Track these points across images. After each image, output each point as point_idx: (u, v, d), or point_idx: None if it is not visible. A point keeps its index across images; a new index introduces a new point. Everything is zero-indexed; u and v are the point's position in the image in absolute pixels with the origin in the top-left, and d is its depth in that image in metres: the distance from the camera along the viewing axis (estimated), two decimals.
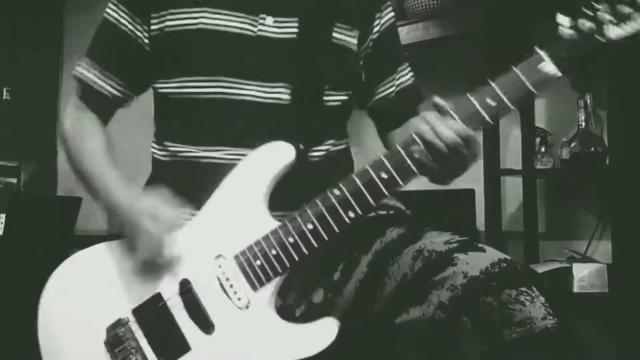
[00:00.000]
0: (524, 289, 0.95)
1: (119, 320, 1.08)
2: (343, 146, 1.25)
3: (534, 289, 0.95)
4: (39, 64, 4.68)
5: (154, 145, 1.26)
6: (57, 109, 4.80)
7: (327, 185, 1.06)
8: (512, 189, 2.58)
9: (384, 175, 1.02)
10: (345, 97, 1.21)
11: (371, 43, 1.23)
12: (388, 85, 1.27)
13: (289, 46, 1.15)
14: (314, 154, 1.16)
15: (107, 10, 1.23)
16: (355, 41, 1.20)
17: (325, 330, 1.02)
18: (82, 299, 1.11)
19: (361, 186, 1.02)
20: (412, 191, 2.35)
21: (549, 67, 0.99)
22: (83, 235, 3.71)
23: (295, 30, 1.15)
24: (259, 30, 1.14)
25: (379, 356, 1.08)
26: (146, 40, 1.19)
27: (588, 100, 2.31)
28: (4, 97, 4.50)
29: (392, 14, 1.27)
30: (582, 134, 2.29)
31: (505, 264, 0.97)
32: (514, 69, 1.00)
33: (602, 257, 2.31)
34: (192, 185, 1.13)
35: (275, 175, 1.08)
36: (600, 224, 2.41)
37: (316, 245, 1.03)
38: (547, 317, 0.94)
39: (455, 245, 1.03)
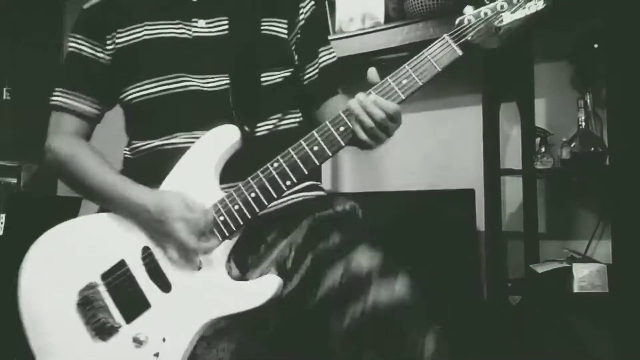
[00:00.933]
0: (422, 329, 1.12)
1: (89, 283, 1.25)
2: (291, 122, 1.40)
3: (431, 329, 1.12)
4: (39, 64, 4.68)
5: (125, 149, 1.42)
6: None
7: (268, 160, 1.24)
8: (512, 189, 2.58)
9: (316, 148, 1.20)
10: (282, 77, 1.38)
11: (299, 30, 1.42)
12: (313, 66, 1.44)
13: (222, 41, 1.34)
14: (259, 130, 1.32)
15: (70, 44, 1.42)
16: (284, 30, 1.39)
17: (268, 284, 1.17)
18: (56, 267, 1.29)
19: (297, 159, 1.20)
20: (413, 191, 2.37)
21: (452, 48, 1.20)
22: None
23: (226, 27, 1.35)
24: (194, 32, 1.34)
25: (307, 347, 1.22)
26: (107, 59, 1.38)
27: (588, 100, 2.31)
28: (4, 97, 4.50)
29: (313, 2, 1.45)
30: (582, 134, 2.29)
31: (409, 302, 1.13)
32: (424, 52, 1.21)
33: (602, 257, 2.31)
34: (156, 170, 1.28)
35: (222, 154, 1.24)
36: (600, 224, 2.41)
37: (257, 211, 1.21)
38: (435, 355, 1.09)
39: (377, 268, 1.16)
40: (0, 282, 3.11)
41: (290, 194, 1.31)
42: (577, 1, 2.27)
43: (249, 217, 1.21)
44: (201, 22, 1.34)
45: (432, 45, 1.21)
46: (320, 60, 1.45)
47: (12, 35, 4.54)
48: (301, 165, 1.20)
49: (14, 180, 3.97)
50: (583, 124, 2.30)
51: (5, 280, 3.14)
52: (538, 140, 2.44)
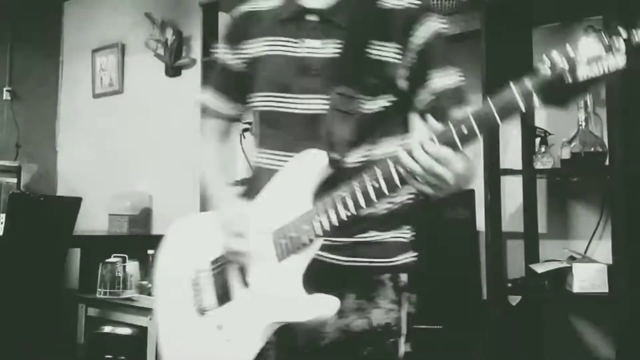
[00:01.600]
0: None
1: (202, 267, 1.44)
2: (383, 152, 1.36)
3: None
4: (39, 64, 4.69)
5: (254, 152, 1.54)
6: (57, 109, 4.80)
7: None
8: (512, 189, 2.58)
9: (375, 184, 1.20)
10: (383, 105, 1.35)
11: (414, 53, 1.36)
12: (427, 90, 1.37)
13: (328, 63, 1.35)
14: (351, 159, 1.33)
15: (217, 52, 1.54)
16: (393, 54, 1.35)
17: (329, 304, 1.26)
18: (183, 249, 1.50)
19: (359, 190, 1.22)
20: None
21: (518, 102, 1.11)
22: (83, 235, 3.72)
23: (334, 49, 1.35)
24: (302, 51, 1.37)
25: None
26: (242, 65, 1.48)
27: (588, 100, 2.31)
28: (4, 97, 4.51)
29: (434, 24, 1.38)
30: (582, 134, 2.29)
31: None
32: (489, 100, 1.12)
33: (602, 257, 2.31)
34: (255, 184, 1.43)
35: (313, 176, 1.32)
36: (600, 224, 2.41)
37: (322, 235, 1.27)
38: None
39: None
40: (0, 281, 3.12)
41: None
42: (577, 1, 2.28)
43: (313, 238, 1.28)
44: (310, 42, 1.37)
45: (496, 96, 1.14)
46: (434, 86, 1.37)
47: (12, 36, 4.54)
48: (360, 200, 1.22)
49: (14, 180, 3.97)
50: (583, 124, 2.30)
51: (5, 280, 3.14)
52: (538, 140, 2.44)
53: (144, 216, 3.99)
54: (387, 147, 1.36)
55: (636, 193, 2.10)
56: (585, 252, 2.39)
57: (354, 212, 1.23)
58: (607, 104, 2.22)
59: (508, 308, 2.40)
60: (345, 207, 1.23)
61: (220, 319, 1.38)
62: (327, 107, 1.33)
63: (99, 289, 3.40)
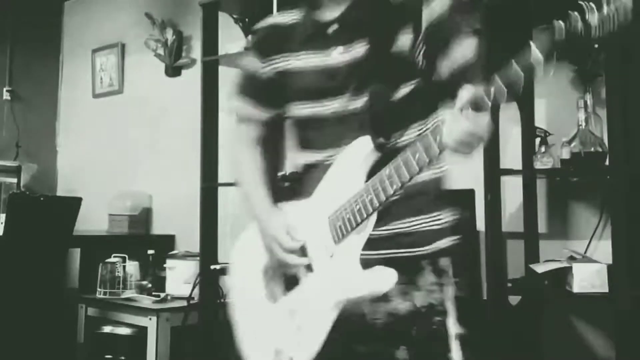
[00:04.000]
0: None
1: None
2: (422, 129, 1.47)
3: None
4: (39, 64, 4.69)
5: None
6: (57, 109, 4.81)
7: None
8: (512, 189, 2.58)
9: (417, 156, 1.30)
10: (411, 87, 1.46)
11: (428, 33, 1.44)
12: (445, 62, 1.44)
13: (359, 64, 1.45)
14: (398, 141, 1.44)
15: (246, 62, 1.63)
16: (409, 42, 1.44)
17: (387, 276, 1.36)
18: (256, 242, 1.56)
19: (402, 163, 1.32)
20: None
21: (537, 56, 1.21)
22: (83, 235, 3.72)
23: (363, 50, 1.44)
24: (333, 59, 1.47)
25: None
26: (273, 75, 1.56)
27: (588, 100, 2.31)
28: (4, 97, 4.51)
29: (443, 2, 1.47)
30: (582, 134, 2.29)
31: None
32: (512, 61, 1.21)
33: (602, 257, 2.31)
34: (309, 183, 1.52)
35: (362, 162, 1.41)
36: (600, 224, 2.41)
37: (372, 210, 1.37)
38: None
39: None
40: (0, 281, 3.12)
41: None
42: (578, 1, 2.27)
43: (365, 215, 1.38)
44: (339, 49, 1.47)
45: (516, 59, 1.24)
46: (453, 60, 1.45)
47: (12, 36, 4.54)
48: (405, 172, 1.32)
49: (14, 180, 3.97)
50: (583, 124, 2.30)
51: (5, 280, 3.14)
52: (538, 140, 2.44)
53: (144, 216, 3.99)
54: (422, 126, 1.48)
55: (636, 193, 2.10)
56: (585, 252, 2.39)
57: (400, 185, 1.33)
58: (607, 104, 2.21)
59: (508, 308, 2.40)
60: (391, 180, 1.33)
61: (291, 305, 1.47)
62: (362, 103, 1.44)
63: (99, 289, 3.40)
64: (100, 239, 3.91)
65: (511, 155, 2.57)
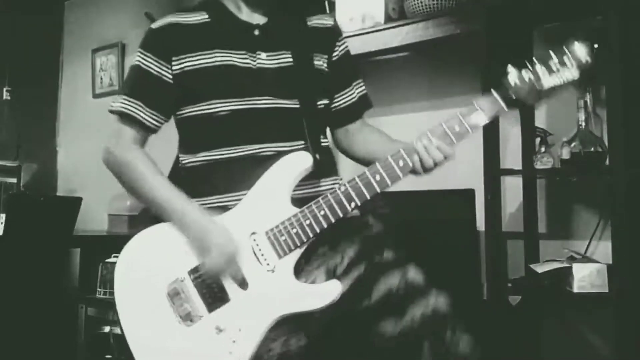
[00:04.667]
0: (460, 334, 1.38)
1: (177, 277, 1.46)
2: (326, 142, 1.62)
3: (465, 335, 1.39)
4: (39, 64, 4.69)
5: (185, 157, 1.62)
6: (57, 109, 4.80)
7: (321, 170, 1.51)
8: (512, 189, 2.58)
9: (377, 177, 1.42)
10: (325, 103, 1.61)
11: (334, 64, 1.64)
12: (347, 95, 1.67)
13: (286, 72, 1.54)
14: (320, 146, 1.54)
15: (138, 58, 1.59)
16: (326, 64, 1.62)
17: (331, 289, 1.38)
18: (148, 263, 1.49)
19: (361, 185, 1.42)
20: (413, 191, 2.36)
21: (499, 104, 1.44)
22: (83, 235, 3.72)
23: (288, 60, 1.55)
24: (258, 63, 1.52)
25: (353, 351, 1.42)
26: (171, 78, 1.54)
27: (588, 100, 2.31)
28: (4, 97, 4.51)
29: (347, 45, 1.69)
30: (582, 134, 2.29)
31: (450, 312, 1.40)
32: (474, 103, 1.44)
33: (602, 257, 2.31)
34: (225, 178, 1.50)
35: (297, 177, 1.46)
36: (600, 224, 2.41)
37: (325, 226, 1.42)
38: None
39: (428, 284, 1.42)
40: (0, 281, 3.12)
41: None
42: (577, 1, 2.28)
43: (317, 230, 1.42)
44: (263, 55, 1.53)
45: (482, 99, 1.44)
46: (358, 91, 1.69)
47: (12, 35, 4.54)
48: (364, 191, 1.42)
49: (14, 180, 3.97)
50: (583, 124, 2.30)
51: (5, 280, 3.14)
52: (538, 140, 2.44)
53: (144, 216, 3.98)
54: (325, 139, 1.61)
55: (636, 193, 2.10)
56: (585, 252, 2.39)
57: (358, 204, 1.42)
58: (607, 104, 2.21)
59: (508, 308, 2.40)
60: (350, 200, 1.41)
61: (218, 321, 1.42)
62: (288, 106, 1.52)
63: (99, 289, 3.40)
64: (100, 239, 3.91)
65: (511, 155, 2.57)
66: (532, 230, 2.54)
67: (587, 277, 2.16)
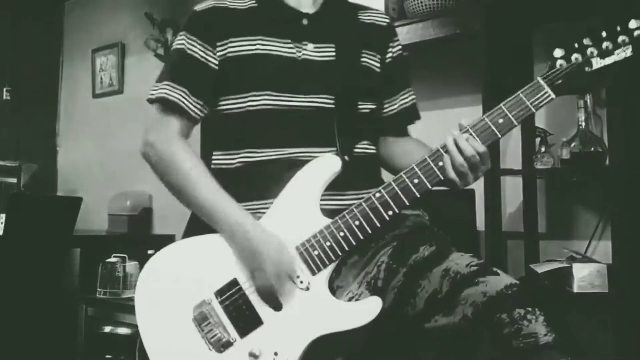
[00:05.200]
0: (529, 309, 1.17)
1: (204, 300, 1.32)
2: (372, 149, 1.49)
3: (537, 310, 1.17)
4: (39, 64, 4.69)
5: (220, 156, 1.47)
6: (57, 109, 4.80)
7: (360, 179, 1.38)
8: (512, 189, 2.58)
9: (416, 181, 1.30)
10: (373, 107, 1.48)
11: (386, 67, 1.52)
12: (393, 102, 1.55)
13: (328, 66, 1.42)
14: (354, 152, 1.42)
15: (181, 41, 1.44)
16: (378, 64, 1.49)
17: (371, 307, 1.26)
18: (171, 284, 1.34)
19: (398, 190, 1.30)
20: None
21: (546, 91, 1.27)
22: (83, 235, 3.72)
23: (333, 53, 1.43)
24: (304, 54, 1.42)
25: (408, 356, 1.30)
26: (216, 64, 1.42)
27: (588, 100, 2.31)
28: (4, 97, 4.51)
29: (401, 47, 1.57)
30: (582, 134, 2.29)
31: (515, 288, 1.20)
32: (519, 93, 1.27)
33: (602, 257, 2.31)
34: (250, 184, 1.38)
35: (325, 182, 1.34)
36: (600, 224, 2.41)
37: (362, 238, 1.30)
38: (547, 334, 1.15)
39: (475, 268, 1.24)
40: (0, 281, 3.12)
41: None
42: (577, 1, 2.27)
43: (353, 243, 1.30)
44: (310, 46, 1.42)
45: (526, 87, 1.27)
46: (402, 100, 1.56)
47: (13, 35, 4.54)
48: (402, 196, 1.29)
49: (14, 180, 3.97)
50: (583, 124, 2.30)
51: (5, 280, 3.14)
52: (538, 140, 2.44)
53: (144, 216, 3.98)
54: (371, 146, 1.49)
55: (636, 193, 2.10)
56: (585, 252, 2.39)
57: (396, 211, 1.30)
58: (607, 104, 2.21)
59: None
60: (387, 208, 1.29)
61: (253, 346, 1.30)
62: (326, 106, 1.40)
63: (99, 289, 3.40)
64: (100, 239, 3.91)
65: (511, 155, 2.57)
66: (532, 230, 2.54)
67: (587, 277, 2.16)
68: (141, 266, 3.60)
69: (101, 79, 4.45)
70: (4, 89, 4.51)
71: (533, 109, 1.26)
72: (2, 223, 3.25)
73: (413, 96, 1.58)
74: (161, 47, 3.90)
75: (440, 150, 1.29)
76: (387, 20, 1.56)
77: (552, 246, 2.51)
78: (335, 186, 1.35)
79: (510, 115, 1.26)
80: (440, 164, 1.29)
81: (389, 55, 1.53)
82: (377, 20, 1.54)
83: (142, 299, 1.37)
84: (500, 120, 1.27)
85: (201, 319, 1.31)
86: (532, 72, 2.50)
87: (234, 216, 1.33)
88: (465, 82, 2.70)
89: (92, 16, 4.60)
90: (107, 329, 3.35)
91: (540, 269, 2.30)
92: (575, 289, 2.17)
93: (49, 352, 3.26)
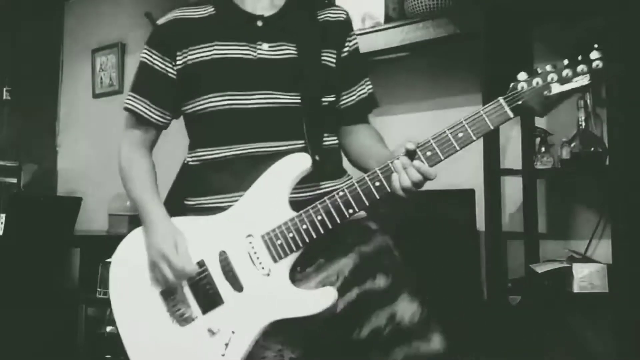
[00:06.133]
0: None
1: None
2: (334, 141, 1.57)
3: None
4: (39, 64, 4.69)
5: (188, 156, 1.59)
6: (57, 109, 4.80)
7: (327, 172, 1.48)
8: (512, 189, 2.58)
9: (377, 184, 1.36)
10: (332, 99, 1.56)
11: (343, 60, 1.58)
12: (351, 94, 1.61)
13: (289, 63, 1.49)
14: (321, 145, 1.50)
15: (143, 55, 1.57)
16: (334, 59, 1.56)
17: (326, 296, 1.36)
18: (140, 263, 1.49)
19: (360, 192, 1.37)
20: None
21: (505, 111, 1.34)
22: (83, 235, 3.72)
23: (292, 52, 1.50)
24: (259, 54, 1.49)
25: None
26: (174, 73, 1.53)
27: (588, 100, 2.31)
28: (4, 97, 4.51)
29: (357, 40, 1.64)
30: (582, 134, 2.29)
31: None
32: (480, 111, 1.34)
33: (602, 257, 2.31)
34: (221, 178, 1.48)
35: (295, 179, 1.43)
36: (600, 224, 2.41)
37: (322, 232, 1.38)
38: None
39: (415, 327, 1.40)
40: (0, 281, 3.12)
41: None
42: (577, 1, 2.28)
43: (314, 236, 1.39)
44: (265, 45, 1.49)
45: (487, 105, 1.34)
46: (361, 90, 1.62)
47: (13, 35, 4.54)
48: (363, 198, 1.37)
49: (14, 180, 3.98)
50: (583, 124, 2.30)
51: (5, 280, 3.14)
52: (538, 140, 2.44)
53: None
54: (333, 138, 1.57)
55: (636, 193, 2.10)
56: (585, 252, 2.39)
57: (357, 210, 1.37)
58: (607, 104, 2.22)
59: (508, 308, 2.40)
60: (348, 207, 1.37)
61: (212, 323, 1.41)
62: (290, 100, 1.47)
63: (99, 289, 3.40)
64: (100, 239, 3.91)
65: (511, 155, 2.57)
66: (532, 230, 2.54)
67: (587, 277, 2.17)
68: None
69: (101, 79, 4.45)
70: (4, 89, 4.51)
71: (491, 126, 1.33)
72: (2, 223, 3.25)
73: (370, 86, 1.65)
74: None
75: (390, 166, 1.36)
76: (344, 15, 1.63)
77: (552, 246, 2.51)
78: (306, 179, 1.44)
79: (470, 130, 1.33)
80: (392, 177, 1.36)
81: (346, 49, 1.60)
82: (334, 17, 1.60)
83: (114, 280, 1.53)
84: (460, 135, 1.33)
85: (168, 293, 1.45)
86: None
87: (150, 214, 1.51)
88: (465, 82, 2.70)
89: (92, 16, 4.60)
90: (107, 329, 3.35)
91: (540, 269, 2.30)
92: (575, 289, 2.17)
93: (49, 352, 3.26)
